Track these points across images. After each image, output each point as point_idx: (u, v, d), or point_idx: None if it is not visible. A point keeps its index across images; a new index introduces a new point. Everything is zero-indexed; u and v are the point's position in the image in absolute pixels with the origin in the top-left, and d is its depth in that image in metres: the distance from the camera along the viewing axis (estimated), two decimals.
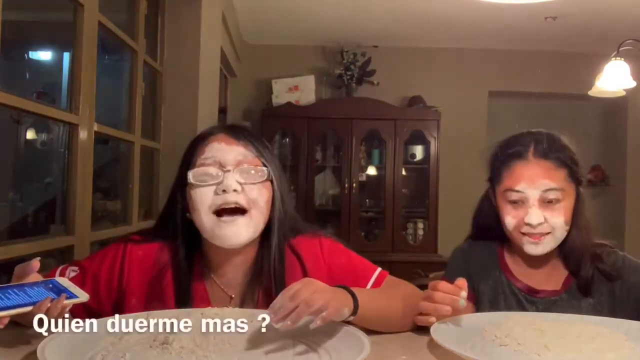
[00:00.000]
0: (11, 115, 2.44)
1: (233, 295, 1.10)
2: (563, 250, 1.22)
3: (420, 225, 4.69)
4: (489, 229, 1.28)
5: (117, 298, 1.08)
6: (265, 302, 1.04)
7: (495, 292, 1.23)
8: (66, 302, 0.86)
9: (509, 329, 0.89)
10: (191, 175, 1.04)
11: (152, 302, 1.05)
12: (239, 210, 1.03)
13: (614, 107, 5.07)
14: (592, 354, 0.82)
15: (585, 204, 1.22)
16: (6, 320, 0.81)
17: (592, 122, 5.43)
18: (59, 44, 2.66)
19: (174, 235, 1.10)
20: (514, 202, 1.18)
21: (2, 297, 0.82)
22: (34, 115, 1.81)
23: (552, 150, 1.18)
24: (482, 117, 5.01)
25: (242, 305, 1.08)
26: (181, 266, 1.08)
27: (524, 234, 1.17)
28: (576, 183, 1.20)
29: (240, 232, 1.03)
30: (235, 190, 1.02)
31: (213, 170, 1.04)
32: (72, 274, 1.08)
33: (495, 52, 4.90)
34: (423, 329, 0.98)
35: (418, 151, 4.75)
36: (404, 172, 4.73)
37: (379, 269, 1.17)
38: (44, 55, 2.95)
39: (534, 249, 1.17)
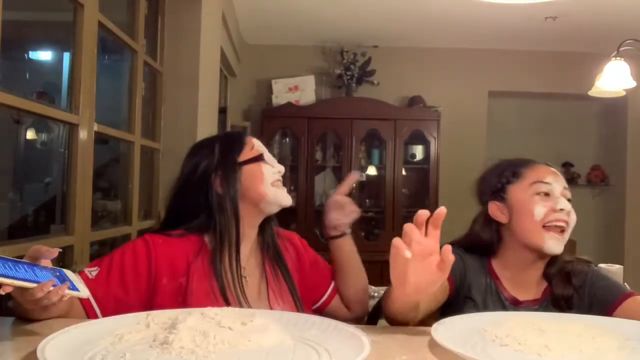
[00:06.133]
0: (11, 115, 2.44)
1: (245, 267, 1.25)
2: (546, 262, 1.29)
3: None
4: (483, 246, 1.32)
5: (147, 283, 1.15)
6: (272, 272, 1.27)
7: (486, 298, 1.27)
8: (67, 291, 0.89)
9: (509, 329, 0.89)
10: (267, 157, 1.29)
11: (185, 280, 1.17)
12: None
13: (614, 107, 5.08)
14: (593, 353, 0.82)
15: None
16: (9, 289, 0.83)
17: (592, 122, 5.44)
18: (59, 44, 2.66)
19: (207, 217, 1.23)
20: (542, 194, 1.25)
21: (12, 268, 0.84)
22: (34, 115, 1.81)
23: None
24: (482, 117, 5.01)
25: (254, 272, 1.26)
26: (230, 243, 1.22)
27: (547, 228, 1.22)
28: None
29: None
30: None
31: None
32: (94, 274, 1.13)
33: (495, 52, 4.90)
34: (423, 329, 0.98)
35: (418, 151, 4.76)
36: (404, 172, 4.73)
37: None
38: (44, 55, 2.95)
39: (555, 244, 1.22)
